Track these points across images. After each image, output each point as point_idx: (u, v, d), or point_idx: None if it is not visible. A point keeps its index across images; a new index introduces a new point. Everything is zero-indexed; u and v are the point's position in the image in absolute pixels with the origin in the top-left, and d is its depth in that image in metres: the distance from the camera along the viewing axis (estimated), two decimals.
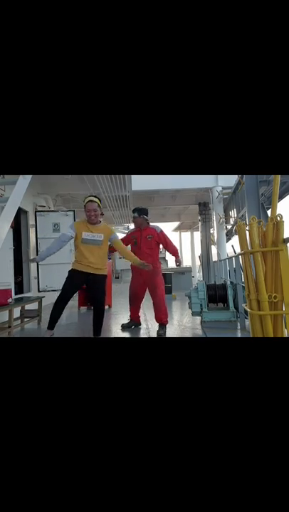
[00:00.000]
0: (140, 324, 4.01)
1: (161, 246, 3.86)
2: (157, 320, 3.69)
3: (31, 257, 3.17)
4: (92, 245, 3.06)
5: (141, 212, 3.78)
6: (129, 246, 3.80)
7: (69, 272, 3.12)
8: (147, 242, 3.72)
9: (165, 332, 3.57)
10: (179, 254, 3.90)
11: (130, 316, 3.98)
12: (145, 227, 3.77)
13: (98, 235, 3.07)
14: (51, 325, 3.05)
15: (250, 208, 4.34)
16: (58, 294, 3.10)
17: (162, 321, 3.64)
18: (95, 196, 3.17)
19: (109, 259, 3.52)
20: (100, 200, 3.16)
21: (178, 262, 3.85)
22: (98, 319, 3.16)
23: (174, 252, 3.83)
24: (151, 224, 3.85)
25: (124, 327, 3.88)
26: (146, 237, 3.72)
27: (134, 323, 3.95)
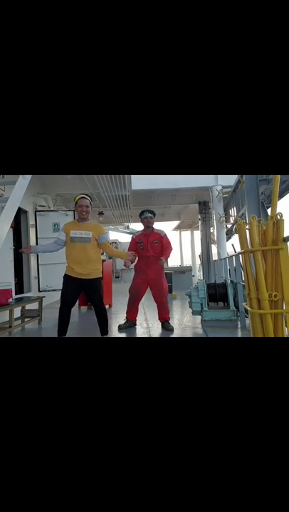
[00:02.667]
0: (135, 324, 4.01)
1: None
2: (161, 319, 3.86)
3: (28, 246, 3.12)
4: (80, 243, 3.01)
5: (154, 215, 3.94)
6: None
7: (64, 277, 3.10)
8: (154, 247, 3.84)
9: (173, 326, 3.81)
10: (169, 258, 3.96)
11: (127, 317, 3.96)
12: (151, 232, 3.88)
13: (86, 233, 3.03)
14: (61, 331, 3.03)
15: (250, 206, 4.33)
16: (57, 293, 3.11)
17: (166, 319, 3.85)
18: (86, 195, 3.19)
19: (110, 258, 3.52)
20: (90, 199, 3.19)
21: (162, 260, 3.77)
22: (101, 318, 3.17)
23: (167, 256, 3.87)
24: (155, 228, 3.94)
25: (121, 328, 3.88)
26: (153, 242, 3.84)
27: (131, 323, 3.96)
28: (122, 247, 17.54)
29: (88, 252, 3.04)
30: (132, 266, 3.73)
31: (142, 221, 3.91)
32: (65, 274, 3.09)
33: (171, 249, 3.93)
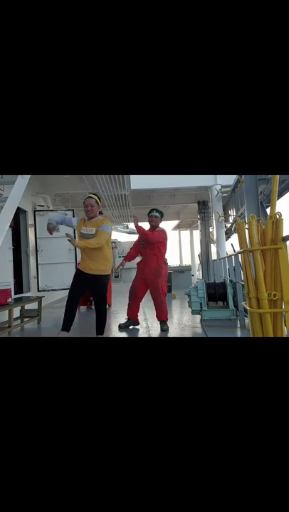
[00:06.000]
0: (138, 323, 4.00)
1: (167, 246, 3.96)
2: (158, 318, 3.85)
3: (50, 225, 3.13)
4: (87, 240, 3.13)
5: (162, 215, 3.96)
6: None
7: (75, 271, 3.25)
8: (151, 245, 3.82)
9: (168, 327, 3.76)
10: (143, 232, 3.78)
11: (128, 315, 3.95)
12: (153, 230, 3.88)
13: (90, 229, 3.14)
14: (65, 326, 3.09)
15: (250, 206, 4.34)
16: (57, 293, 3.15)
17: (163, 319, 3.81)
18: (95, 194, 3.29)
19: None
20: (98, 198, 3.27)
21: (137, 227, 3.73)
22: (99, 318, 3.22)
23: (144, 231, 3.76)
24: (159, 227, 3.96)
25: (121, 327, 3.87)
26: None
27: (132, 322, 3.93)
28: (121, 247, 17.52)
29: (92, 248, 3.11)
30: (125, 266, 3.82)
31: (149, 218, 3.93)
32: (77, 269, 3.26)
33: (154, 240, 3.74)
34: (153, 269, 3.80)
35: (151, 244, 3.81)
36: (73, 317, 3.15)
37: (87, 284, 3.19)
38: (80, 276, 3.16)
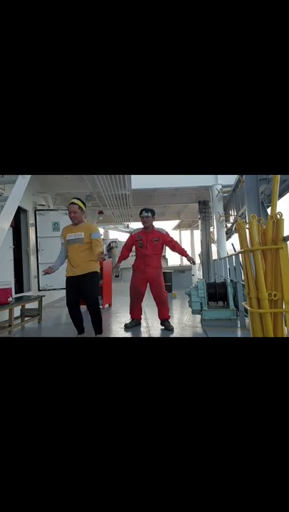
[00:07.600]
0: (140, 323, 4.05)
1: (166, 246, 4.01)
2: (161, 317, 3.87)
3: (48, 268, 3.35)
4: (75, 244, 3.18)
5: (153, 213, 3.95)
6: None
7: (66, 281, 3.29)
8: (154, 245, 3.84)
9: (173, 326, 3.81)
10: (187, 253, 3.97)
11: (132, 316, 4.00)
12: (152, 230, 3.89)
13: (79, 234, 3.20)
14: (78, 330, 3.28)
15: (250, 206, 4.34)
16: (57, 292, 3.16)
17: (166, 318, 3.85)
18: (78, 198, 3.32)
19: (109, 257, 3.55)
20: (82, 202, 3.32)
21: (191, 260, 3.89)
22: (94, 317, 3.26)
23: (183, 252, 3.94)
24: (155, 227, 3.96)
25: (128, 327, 3.91)
26: (153, 240, 3.85)
27: (137, 322, 3.99)
28: (121, 247, 17.53)
29: (81, 252, 3.18)
30: (129, 266, 3.80)
31: (141, 219, 3.93)
32: (66, 276, 3.26)
33: (180, 246, 3.97)
34: (156, 269, 3.84)
35: (154, 246, 3.83)
36: (81, 320, 3.28)
37: (76, 287, 3.20)
38: (68, 283, 3.23)
